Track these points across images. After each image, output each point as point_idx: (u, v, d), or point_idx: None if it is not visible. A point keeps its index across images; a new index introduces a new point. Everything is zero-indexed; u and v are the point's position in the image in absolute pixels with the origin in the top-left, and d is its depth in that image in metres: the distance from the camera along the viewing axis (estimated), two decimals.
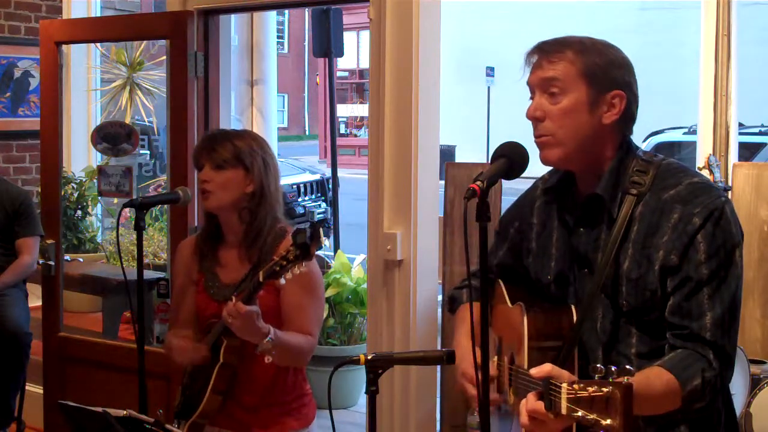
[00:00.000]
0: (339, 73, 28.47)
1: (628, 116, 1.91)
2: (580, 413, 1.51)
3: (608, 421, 1.46)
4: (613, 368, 1.49)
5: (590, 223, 1.94)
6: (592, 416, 1.48)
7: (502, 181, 1.92)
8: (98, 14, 5.79)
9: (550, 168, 2.04)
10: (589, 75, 1.86)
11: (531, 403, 1.65)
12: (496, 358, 2.06)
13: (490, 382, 1.92)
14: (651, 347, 1.87)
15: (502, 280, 2.12)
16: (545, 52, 1.90)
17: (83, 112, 5.73)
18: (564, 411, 1.54)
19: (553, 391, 1.58)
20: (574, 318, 1.89)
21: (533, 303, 1.94)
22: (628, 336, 1.88)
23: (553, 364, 1.68)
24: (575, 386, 1.52)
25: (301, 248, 2.23)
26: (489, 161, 1.91)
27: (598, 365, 1.52)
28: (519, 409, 1.69)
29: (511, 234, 2.16)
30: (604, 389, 1.47)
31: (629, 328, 1.88)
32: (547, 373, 1.65)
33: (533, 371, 1.67)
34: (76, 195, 5.55)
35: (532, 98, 1.93)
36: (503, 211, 2.29)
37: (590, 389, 1.49)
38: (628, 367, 1.49)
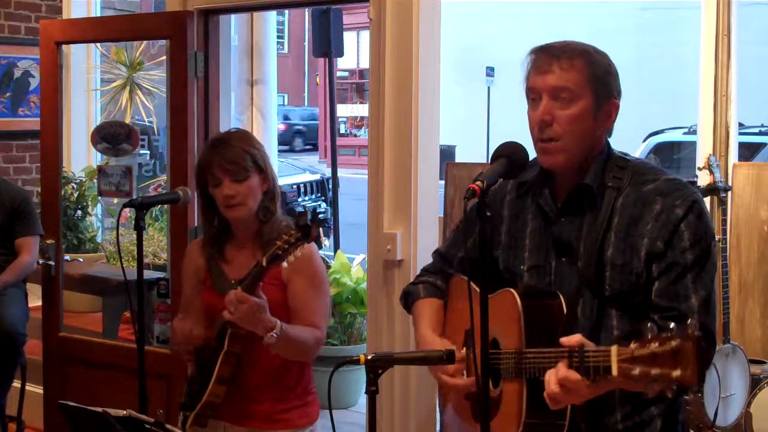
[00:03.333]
0: (339, 73, 28.45)
1: (614, 122, 2.02)
2: (637, 371, 1.53)
3: (678, 372, 1.48)
4: (671, 325, 1.52)
5: (573, 213, 2.01)
6: (656, 371, 1.51)
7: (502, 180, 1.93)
8: (98, 14, 5.79)
9: None
10: (594, 84, 1.95)
11: (562, 371, 1.72)
12: (464, 349, 2.10)
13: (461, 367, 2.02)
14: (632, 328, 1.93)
15: (464, 275, 2.13)
16: (556, 57, 1.95)
17: (83, 112, 5.73)
18: (615, 372, 1.58)
19: (589, 358, 1.66)
20: (563, 302, 1.95)
21: (519, 290, 1.99)
22: (608, 318, 1.96)
23: (581, 336, 1.76)
24: (631, 345, 1.55)
25: (303, 229, 2.26)
26: (489, 161, 1.93)
27: (649, 323, 1.56)
28: (546, 379, 1.75)
29: (479, 227, 2.18)
30: (673, 342, 1.50)
31: (609, 311, 1.96)
32: (579, 341, 1.72)
33: (564, 340, 1.74)
34: (76, 195, 5.55)
35: (534, 99, 1.98)
36: None
37: (652, 345, 1.52)
38: (689, 321, 1.52)
